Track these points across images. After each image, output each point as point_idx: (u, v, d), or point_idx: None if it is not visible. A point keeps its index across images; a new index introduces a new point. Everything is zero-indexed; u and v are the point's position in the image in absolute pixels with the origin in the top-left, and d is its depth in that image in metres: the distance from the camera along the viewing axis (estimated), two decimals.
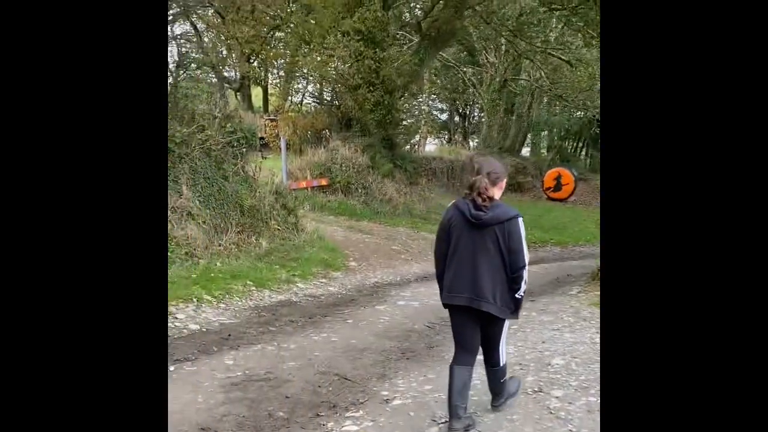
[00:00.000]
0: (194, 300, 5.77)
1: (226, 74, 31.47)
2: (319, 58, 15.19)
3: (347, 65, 14.46)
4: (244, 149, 9.17)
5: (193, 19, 28.45)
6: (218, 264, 7.15)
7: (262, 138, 20.53)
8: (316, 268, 8.23)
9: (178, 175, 7.61)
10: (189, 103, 8.03)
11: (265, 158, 13.98)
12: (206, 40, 30.49)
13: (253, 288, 6.63)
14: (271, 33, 27.41)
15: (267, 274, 7.21)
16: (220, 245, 7.74)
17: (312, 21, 16.17)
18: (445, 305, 3.28)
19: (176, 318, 5.23)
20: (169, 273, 6.39)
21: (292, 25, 19.10)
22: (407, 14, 20.76)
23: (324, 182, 13.89)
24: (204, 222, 7.68)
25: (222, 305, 5.86)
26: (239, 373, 4.15)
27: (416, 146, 21.38)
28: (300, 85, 31.16)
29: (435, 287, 3.45)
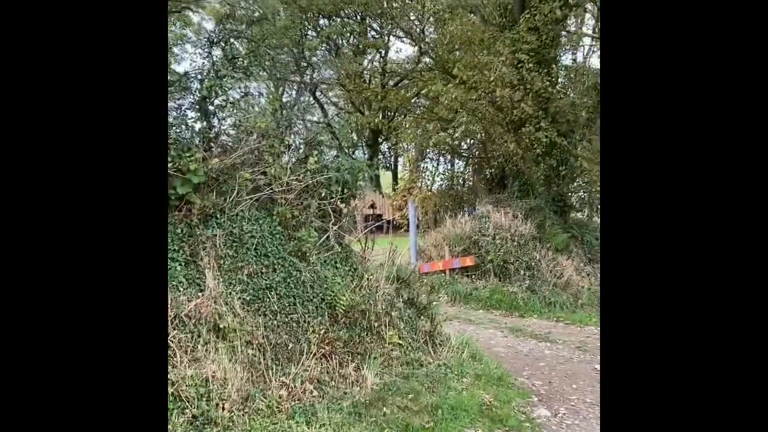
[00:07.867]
0: None
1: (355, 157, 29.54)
2: (463, 88, 11.26)
3: (507, 91, 10.44)
4: (342, 205, 5.42)
5: (321, 101, 27.27)
6: None
7: (389, 221, 17.48)
8: (473, 431, 4.05)
9: (196, 248, 3.94)
10: (228, 111, 4.46)
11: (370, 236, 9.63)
12: (336, 125, 29.08)
13: None
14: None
15: None
16: (281, 385, 3.86)
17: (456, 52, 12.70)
18: None
19: None
20: None
21: (432, 55, 15.76)
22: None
23: (469, 262, 9.80)
24: (248, 342, 3.88)
25: None
26: None
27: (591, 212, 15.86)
28: (431, 165, 28.26)
29: None
